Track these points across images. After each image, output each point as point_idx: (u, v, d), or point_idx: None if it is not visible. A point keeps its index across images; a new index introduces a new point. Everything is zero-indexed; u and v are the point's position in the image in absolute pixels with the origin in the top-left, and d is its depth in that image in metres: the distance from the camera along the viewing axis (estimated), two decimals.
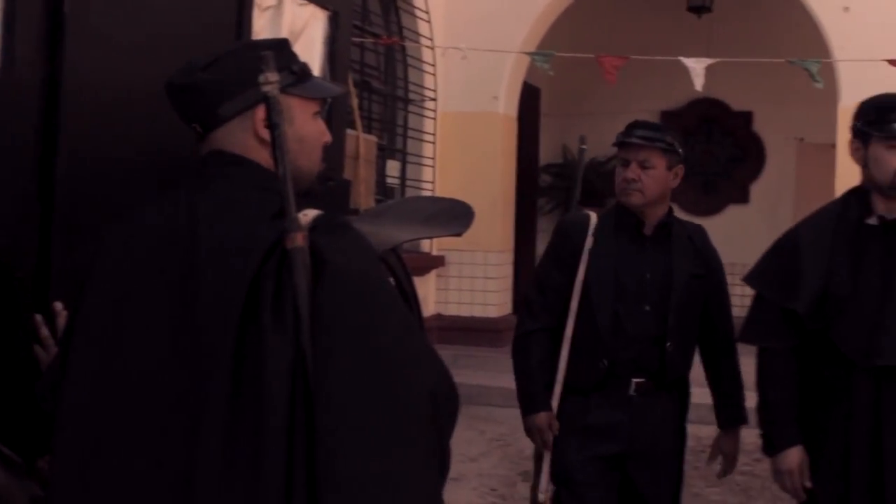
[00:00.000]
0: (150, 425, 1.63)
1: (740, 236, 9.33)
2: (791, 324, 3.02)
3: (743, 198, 11.46)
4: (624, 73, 7.53)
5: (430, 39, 8.87)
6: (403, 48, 8.99)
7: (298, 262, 1.61)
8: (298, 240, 1.62)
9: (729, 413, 3.38)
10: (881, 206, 3.00)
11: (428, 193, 8.98)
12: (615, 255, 3.30)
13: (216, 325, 1.63)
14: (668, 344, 3.22)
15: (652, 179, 3.26)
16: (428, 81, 9.11)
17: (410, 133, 9.14)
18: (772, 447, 3.02)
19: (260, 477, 1.56)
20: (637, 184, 3.25)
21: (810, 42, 8.59)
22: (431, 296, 9.32)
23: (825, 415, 2.98)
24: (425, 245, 9.09)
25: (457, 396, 1.70)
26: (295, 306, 1.60)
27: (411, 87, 9.14)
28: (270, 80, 1.66)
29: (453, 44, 8.31)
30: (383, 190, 8.75)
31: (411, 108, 9.15)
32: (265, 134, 1.75)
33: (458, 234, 2.66)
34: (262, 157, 1.78)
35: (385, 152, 8.88)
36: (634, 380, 3.22)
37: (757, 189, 11.48)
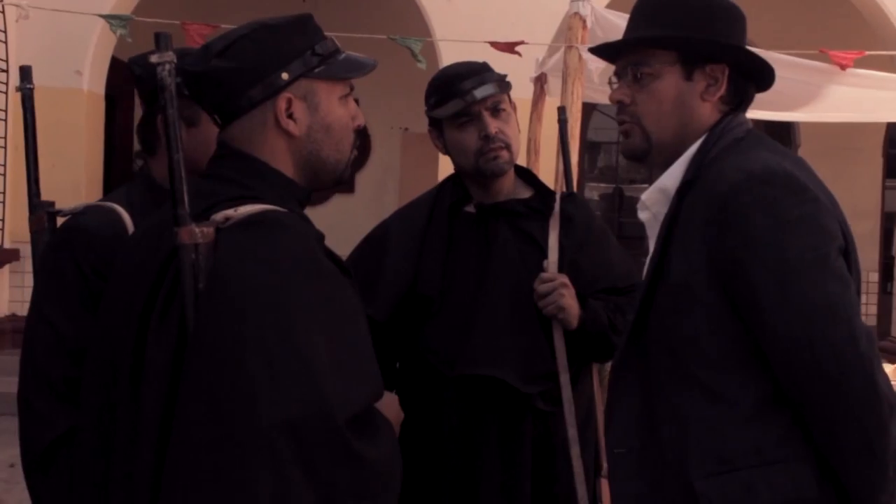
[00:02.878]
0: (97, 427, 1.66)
1: (346, 227, 9.03)
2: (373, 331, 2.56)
3: (348, 188, 11.25)
4: None
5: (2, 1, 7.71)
6: None
7: (185, 262, 1.54)
8: (183, 236, 1.54)
9: None
10: (477, 193, 2.62)
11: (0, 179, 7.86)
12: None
13: (123, 329, 1.62)
14: None
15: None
16: None
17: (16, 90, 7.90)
18: None
19: (134, 494, 1.56)
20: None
21: (415, 27, 8.47)
22: (4, 294, 8.18)
23: (421, 437, 2.56)
24: None
25: (338, 427, 1.53)
26: (182, 310, 1.54)
27: None
28: (163, 59, 1.58)
29: (33, 6, 7.26)
30: None
31: None
32: (289, 125, 1.72)
33: None
34: (282, 148, 1.74)
35: None
36: None
37: (362, 179, 11.33)
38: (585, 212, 2.71)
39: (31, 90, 2.30)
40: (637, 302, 1.90)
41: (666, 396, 1.83)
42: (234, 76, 1.69)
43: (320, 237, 1.71)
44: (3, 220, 7.90)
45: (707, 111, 1.91)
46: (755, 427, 1.76)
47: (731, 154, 1.85)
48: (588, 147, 13.81)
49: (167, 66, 1.58)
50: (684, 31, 1.89)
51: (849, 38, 7.91)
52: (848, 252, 1.81)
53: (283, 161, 1.75)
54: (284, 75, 1.71)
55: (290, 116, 1.72)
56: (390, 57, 6.09)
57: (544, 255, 2.54)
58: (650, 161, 1.97)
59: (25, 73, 2.37)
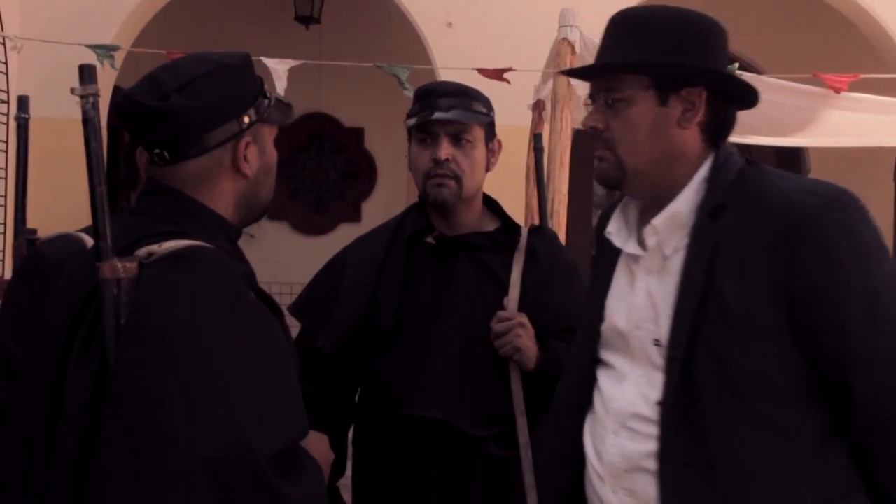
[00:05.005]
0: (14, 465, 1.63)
1: None
2: (325, 363, 2.47)
3: (355, 216, 11.20)
4: None
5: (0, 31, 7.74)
6: None
7: (106, 296, 1.53)
8: (105, 270, 1.53)
9: None
10: (438, 223, 2.52)
11: (0, 210, 7.86)
12: None
13: (42, 365, 1.60)
14: None
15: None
16: None
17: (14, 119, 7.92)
18: None
19: None
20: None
21: (417, 58, 8.44)
22: None
23: (373, 477, 2.46)
24: None
25: (258, 465, 1.50)
26: (102, 347, 1.53)
27: None
28: (87, 91, 1.57)
29: (28, 38, 7.29)
30: None
31: None
32: (245, 167, 1.75)
33: None
34: (229, 189, 1.76)
35: None
36: None
37: (368, 207, 11.28)
38: (553, 246, 2.61)
39: (27, 120, 2.34)
40: (679, 337, 1.74)
41: (726, 439, 1.71)
42: (195, 116, 1.69)
43: (249, 273, 1.69)
44: (3, 251, 7.89)
45: (687, 137, 1.82)
46: (818, 463, 1.72)
47: (768, 176, 1.79)
48: None
49: (91, 99, 1.59)
50: (657, 55, 1.80)
51: (851, 61, 7.83)
52: None
53: (224, 200, 1.76)
54: (245, 119, 1.74)
55: (245, 159, 1.76)
56: (395, 85, 6.11)
57: (505, 291, 2.44)
58: (626, 189, 1.89)
59: (22, 103, 2.40)
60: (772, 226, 1.69)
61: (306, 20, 9.81)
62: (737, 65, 5.33)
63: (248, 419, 1.52)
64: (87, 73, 1.59)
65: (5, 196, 8.02)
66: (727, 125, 1.86)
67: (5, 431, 1.71)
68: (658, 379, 1.78)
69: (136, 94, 1.71)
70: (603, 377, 1.91)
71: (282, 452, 1.58)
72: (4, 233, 7.82)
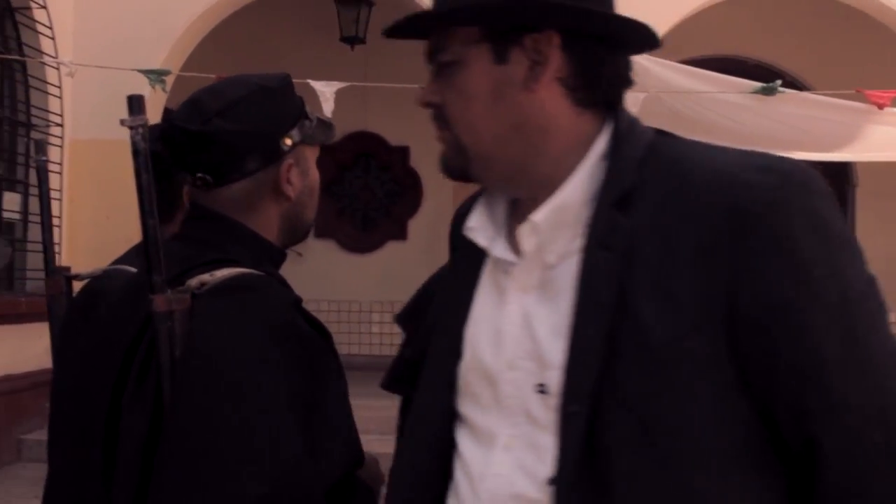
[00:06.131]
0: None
1: (399, 273, 9.09)
2: (412, 370, 2.56)
3: (401, 234, 11.29)
4: None
5: (55, 57, 7.94)
6: (24, 66, 7.99)
7: (160, 330, 1.51)
8: (159, 304, 1.51)
9: None
10: None
11: (55, 230, 8.02)
12: None
13: (96, 396, 1.60)
14: None
15: None
16: (53, 105, 8.16)
17: (33, 162, 8.12)
18: None
19: None
20: None
21: None
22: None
23: None
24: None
25: (318, 499, 1.51)
26: (157, 378, 1.52)
27: (34, 111, 8.14)
28: (136, 122, 1.53)
29: (80, 63, 7.47)
30: (0, 225, 7.74)
31: (34, 133, 8.14)
32: (288, 190, 1.73)
33: None
34: (274, 212, 1.74)
35: (2, 183, 7.86)
36: None
37: (414, 226, 11.36)
38: None
39: (45, 162, 2.34)
40: (578, 382, 1.21)
41: None
42: (238, 139, 1.68)
43: (298, 301, 1.68)
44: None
45: (542, 100, 1.28)
46: None
47: (693, 148, 1.27)
48: None
49: (140, 130, 1.55)
50: None
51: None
52: None
53: (268, 223, 1.75)
54: (287, 141, 1.72)
55: (288, 181, 1.73)
56: None
57: None
58: (476, 179, 1.39)
59: (39, 145, 2.41)
60: (708, 218, 1.18)
61: (352, 41, 9.92)
62: (779, 81, 5.33)
63: (303, 453, 1.51)
64: (135, 104, 1.56)
65: (60, 217, 8.21)
66: (607, 78, 1.29)
67: (56, 462, 1.73)
68: (546, 443, 1.24)
69: (177, 119, 1.70)
70: (464, 440, 1.36)
71: (336, 484, 1.57)
72: (60, 253, 8.00)
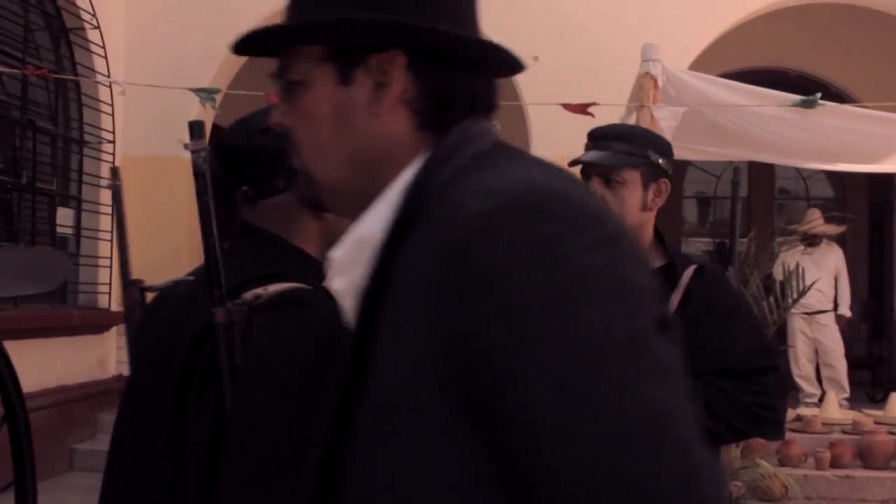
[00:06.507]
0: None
1: None
2: None
3: None
4: None
5: (107, 76, 8.14)
6: (77, 85, 8.21)
7: (221, 340, 1.59)
8: (220, 315, 1.59)
9: None
10: None
11: (106, 244, 8.23)
12: None
13: (156, 405, 1.66)
14: None
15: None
16: (105, 122, 8.36)
17: (86, 178, 8.34)
18: None
19: None
20: None
21: (503, 91, 8.58)
22: (112, 356, 8.51)
23: None
24: (103, 301, 8.29)
25: None
26: (219, 386, 1.59)
27: (87, 128, 8.36)
28: (198, 147, 1.61)
29: (131, 83, 7.66)
30: (53, 240, 7.94)
31: (87, 150, 8.35)
32: None
33: (49, 291, 2.22)
34: (314, 228, 1.79)
35: (56, 199, 8.06)
36: None
37: None
38: (713, 288, 2.64)
39: (119, 187, 2.47)
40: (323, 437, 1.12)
41: None
42: (279, 155, 1.71)
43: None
44: (109, 284, 8.26)
45: (387, 125, 1.18)
46: None
47: (470, 173, 1.09)
48: (698, 203, 13.76)
49: (202, 154, 1.62)
50: (333, 10, 1.19)
51: None
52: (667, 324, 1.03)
53: (309, 238, 1.82)
54: None
55: None
56: None
57: None
58: (333, 211, 1.33)
59: (115, 172, 2.54)
60: (431, 253, 1.03)
61: None
62: (819, 94, 5.36)
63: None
64: (196, 129, 1.63)
65: (112, 232, 8.41)
66: (460, 101, 1.19)
67: (120, 464, 1.80)
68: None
69: (226, 136, 1.79)
70: None
71: None
72: (111, 267, 8.20)
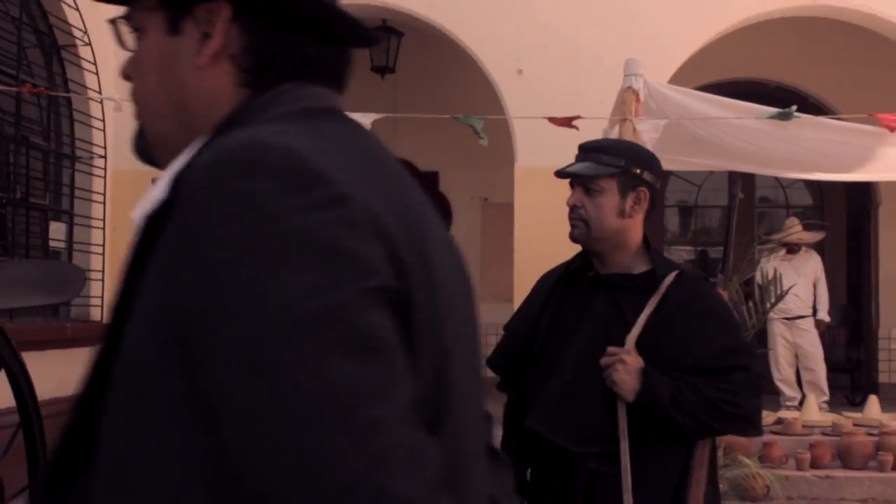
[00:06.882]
0: None
1: None
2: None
3: None
4: None
5: (98, 92, 8.27)
6: (69, 101, 8.33)
7: None
8: None
9: None
10: (595, 261, 2.84)
11: (98, 258, 8.34)
12: None
13: None
14: None
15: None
16: (97, 137, 8.48)
17: (78, 193, 8.45)
18: None
19: None
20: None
21: (488, 103, 8.77)
22: None
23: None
24: (96, 314, 8.39)
25: None
26: None
27: (78, 144, 8.48)
28: None
29: (126, 98, 7.78)
30: (46, 254, 8.04)
31: (79, 165, 8.47)
32: None
33: (65, 303, 2.35)
34: None
35: (49, 213, 8.17)
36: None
37: None
38: (690, 290, 2.76)
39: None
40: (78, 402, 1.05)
41: None
42: None
43: None
44: (102, 297, 8.36)
45: (211, 81, 1.13)
46: None
47: (233, 133, 1.02)
48: (680, 211, 13.95)
49: None
50: None
51: None
52: (412, 301, 0.98)
53: None
54: None
55: None
56: (469, 130, 6.47)
57: (629, 330, 2.69)
58: (162, 167, 1.16)
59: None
60: (171, 212, 0.98)
61: (382, 70, 10.22)
62: (794, 107, 5.54)
63: None
64: None
65: (103, 245, 8.52)
66: (287, 61, 1.14)
67: None
68: None
69: None
70: None
71: None
72: (104, 280, 8.31)
